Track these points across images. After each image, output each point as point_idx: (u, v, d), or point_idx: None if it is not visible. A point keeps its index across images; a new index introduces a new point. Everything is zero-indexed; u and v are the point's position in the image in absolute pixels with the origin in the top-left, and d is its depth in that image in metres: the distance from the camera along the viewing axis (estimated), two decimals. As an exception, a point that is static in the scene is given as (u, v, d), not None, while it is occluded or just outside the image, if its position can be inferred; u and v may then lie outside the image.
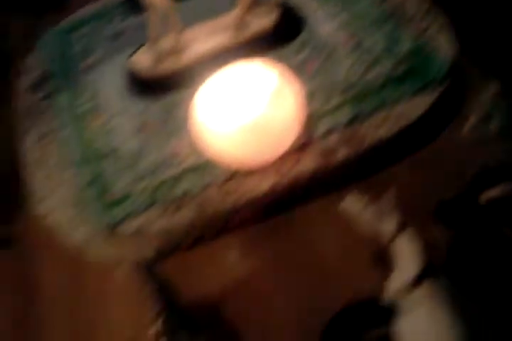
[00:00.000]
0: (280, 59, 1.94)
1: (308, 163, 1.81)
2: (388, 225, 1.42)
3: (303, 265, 1.82)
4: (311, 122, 1.86)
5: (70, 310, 1.91)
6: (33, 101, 2.31)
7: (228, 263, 1.87)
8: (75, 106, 2.21)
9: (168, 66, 2.09)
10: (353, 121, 1.89)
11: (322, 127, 1.87)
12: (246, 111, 1.59)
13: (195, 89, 1.74)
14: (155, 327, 1.38)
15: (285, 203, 1.87)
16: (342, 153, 1.82)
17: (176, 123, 2.01)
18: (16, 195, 2.24)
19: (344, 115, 1.90)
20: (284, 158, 1.79)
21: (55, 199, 1.99)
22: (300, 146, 1.82)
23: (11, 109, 2.52)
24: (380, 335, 1.37)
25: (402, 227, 1.40)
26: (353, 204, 1.52)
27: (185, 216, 1.83)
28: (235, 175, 1.82)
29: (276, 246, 1.88)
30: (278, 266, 1.84)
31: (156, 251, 1.55)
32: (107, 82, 2.21)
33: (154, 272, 1.46)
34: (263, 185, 1.79)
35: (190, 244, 1.89)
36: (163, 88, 2.11)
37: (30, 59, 2.42)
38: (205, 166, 1.86)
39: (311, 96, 1.89)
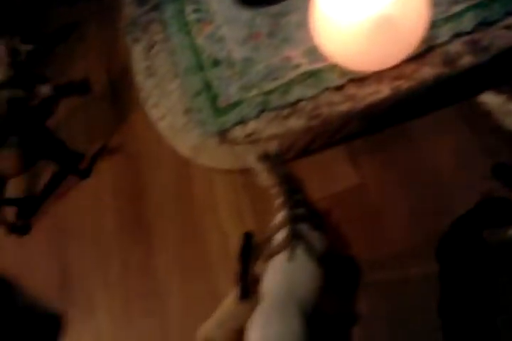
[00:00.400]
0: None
1: (429, 70, 1.71)
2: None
3: (416, 178, 1.78)
4: (434, 27, 1.75)
5: (179, 214, 1.98)
6: (140, 12, 2.33)
7: (337, 174, 1.85)
8: (182, 17, 2.20)
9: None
10: (477, 27, 1.77)
11: (445, 33, 1.76)
12: (372, 4, 1.51)
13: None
14: (279, 217, 1.39)
15: (401, 112, 1.81)
16: (466, 60, 1.71)
17: (285, 31, 1.96)
18: (128, 102, 2.31)
19: (468, 22, 1.78)
20: (405, 62, 1.71)
21: (166, 106, 2.03)
22: (422, 52, 1.73)
23: (117, 21, 2.56)
24: (504, 237, 1.33)
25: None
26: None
27: (296, 123, 1.81)
28: (353, 79, 1.77)
29: (387, 158, 1.84)
30: (389, 179, 1.80)
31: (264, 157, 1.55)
32: (215, -8, 2.18)
33: (280, 164, 1.47)
34: (382, 90, 1.73)
35: (299, 151, 1.88)
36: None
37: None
38: (320, 71, 1.81)
39: (434, 1, 1.78)
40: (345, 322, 1.53)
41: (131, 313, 1.78)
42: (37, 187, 2.27)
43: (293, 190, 1.42)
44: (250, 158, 1.45)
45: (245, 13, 2.08)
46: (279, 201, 1.41)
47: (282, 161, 1.46)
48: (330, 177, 1.81)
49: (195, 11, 2.20)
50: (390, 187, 1.75)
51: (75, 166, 2.18)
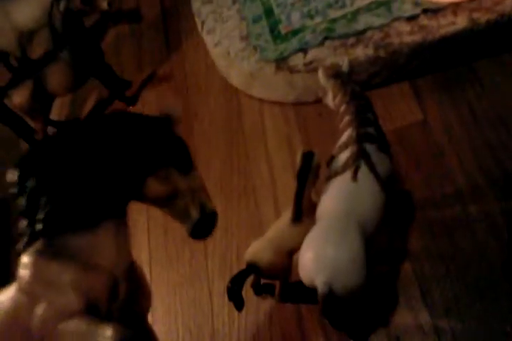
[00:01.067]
0: None
1: (514, 1, 1.61)
2: None
3: (482, 120, 1.68)
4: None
5: (226, 144, 1.92)
6: None
7: (401, 109, 1.76)
8: None
9: None
10: None
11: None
12: None
13: None
14: (346, 135, 1.31)
15: (477, 48, 1.70)
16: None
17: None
18: (181, 31, 2.24)
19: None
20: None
21: (223, 31, 1.94)
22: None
23: None
24: None
25: None
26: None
27: (362, 52, 1.72)
28: (427, 10, 1.67)
29: (454, 97, 1.74)
30: (454, 119, 1.71)
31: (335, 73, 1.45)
32: None
33: (350, 81, 1.38)
34: (459, 22, 1.63)
35: (363, 84, 1.79)
36: None
37: None
38: (392, 1, 1.72)
39: None
40: (396, 257, 1.47)
41: (171, 237, 1.75)
42: (82, 111, 2.23)
43: (363, 108, 1.34)
44: (320, 74, 1.36)
45: None
46: (347, 119, 1.32)
47: (353, 79, 1.37)
48: (393, 112, 1.71)
49: None
50: (455, 127, 1.64)
51: (122, 92, 2.12)
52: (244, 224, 1.68)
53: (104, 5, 1.84)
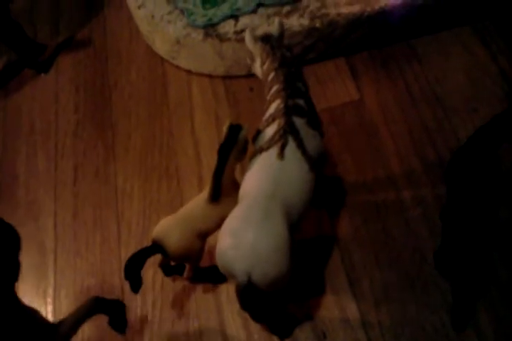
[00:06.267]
0: None
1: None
2: None
3: (418, 97, 1.67)
4: None
5: (148, 117, 1.82)
6: None
7: (336, 87, 1.73)
8: None
9: None
10: None
11: None
12: None
13: None
14: (274, 107, 1.23)
15: (418, 22, 1.68)
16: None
17: None
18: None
19: None
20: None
21: (148, -8, 1.85)
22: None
23: None
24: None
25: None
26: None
27: (297, 22, 1.66)
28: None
29: (390, 75, 1.72)
30: (390, 97, 1.69)
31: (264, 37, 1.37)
32: None
33: (281, 46, 1.30)
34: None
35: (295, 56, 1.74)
36: None
37: None
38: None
39: None
40: (324, 244, 1.43)
41: (81, 220, 1.65)
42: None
43: (293, 77, 1.26)
44: (246, 36, 1.28)
45: None
46: (275, 88, 1.22)
47: (283, 43, 1.29)
48: (328, 89, 1.67)
49: None
50: (391, 106, 1.61)
51: (34, 58, 1.98)
52: (165, 207, 1.61)
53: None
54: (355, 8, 1.64)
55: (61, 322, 1.27)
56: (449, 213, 1.34)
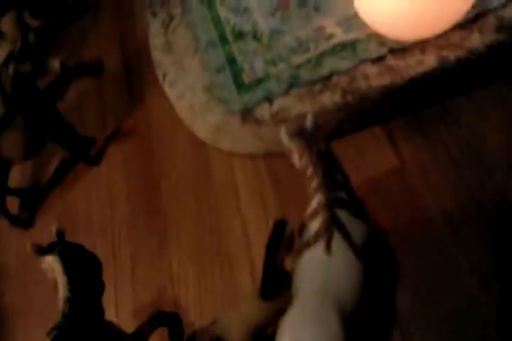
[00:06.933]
0: None
1: (481, 37, 1.63)
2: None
3: (461, 160, 1.68)
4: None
5: (196, 201, 1.90)
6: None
7: (375, 156, 1.76)
8: (203, -13, 2.16)
9: None
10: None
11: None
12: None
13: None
14: (315, 201, 1.28)
15: (448, 87, 1.72)
16: (524, 27, 1.62)
17: None
18: (144, 82, 2.26)
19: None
20: (453, 29, 1.63)
21: (185, 83, 1.96)
22: (472, 17, 1.64)
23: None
24: None
25: None
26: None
27: (329, 99, 1.73)
28: (393, 50, 1.69)
29: (429, 139, 1.75)
30: (431, 161, 1.71)
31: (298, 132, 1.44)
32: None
33: (316, 140, 1.36)
34: (427, 61, 1.64)
35: (332, 132, 1.80)
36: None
37: None
38: (356, 42, 1.72)
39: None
40: (385, 324, 1.43)
41: (138, 306, 1.72)
42: (43, 176, 2.22)
43: (331, 170, 1.31)
44: (282, 134, 1.35)
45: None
46: (315, 183, 1.28)
47: (318, 137, 1.35)
48: (367, 159, 1.71)
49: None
50: (432, 170, 1.64)
51: (85, 152, 2.13)
52: (219, 291, 1.66)
53: (56, 65, 1.86)
54: (385, 79, 1.69)
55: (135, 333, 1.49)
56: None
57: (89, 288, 1.43)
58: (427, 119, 1.75)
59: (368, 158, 1.74)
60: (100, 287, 1.48)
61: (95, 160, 2.18)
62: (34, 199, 2.28)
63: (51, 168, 2.27)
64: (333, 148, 1.74)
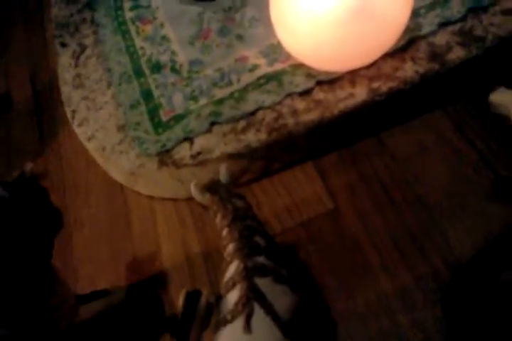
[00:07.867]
0: None
1: (413, 67, 1.53)
2: None
3: (400, 201, 1.56)
4: (416, 16, 1.58)
5: (114, 256, 1.72)
6: (70, 12, 2.11)
7: (307, 197, 1.62)
8: (118, 15, 1.99)
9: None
10: (465, 17, 1.59)
11: (429, 24, 1.58)
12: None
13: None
14: (232, 270, 1.11)
15: (381, 120, 1.61)
16: (457, 54, 1.53)
17: (239, 27, 1.76)
18: (55, 119, 2.06)
19: (457, 7, 1.61)
20: (383, 59, 1.52)
21: (96, 122, 1.77)
22: (403, 45, 1.54)
23: (45, 23, 2.35)
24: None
25: None
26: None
27: (254, 137, 1.58)
28: (322, 82, 1.56)
29: (364, 175, 1.62)
30: (367, 201, 1.58)
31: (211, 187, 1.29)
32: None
33: (231, 195, 1.21)
34: (357, 93, 1.52)
35: (259, 172, 1.66)
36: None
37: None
38: (282, 73, 1.59)
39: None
40: None
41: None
42: None
43: (249, 231, 1.16)
44: (192, 190, 1.18)
45: (192, 8, 1.88)
46: (232, 247, 1.11)
47: (234, 192, 1.19)
48: (300, 200, 1.57)
49: (134, 7, 1.99)
50: (369, 211, 1.50)
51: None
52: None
53: None
54: (314, 114, 1.56)
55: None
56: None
57: None
58: (361, 154, 1.63)
59: (301, 199, 1.60)
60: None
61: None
62: None
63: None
64: (261, 189, 1.60)
